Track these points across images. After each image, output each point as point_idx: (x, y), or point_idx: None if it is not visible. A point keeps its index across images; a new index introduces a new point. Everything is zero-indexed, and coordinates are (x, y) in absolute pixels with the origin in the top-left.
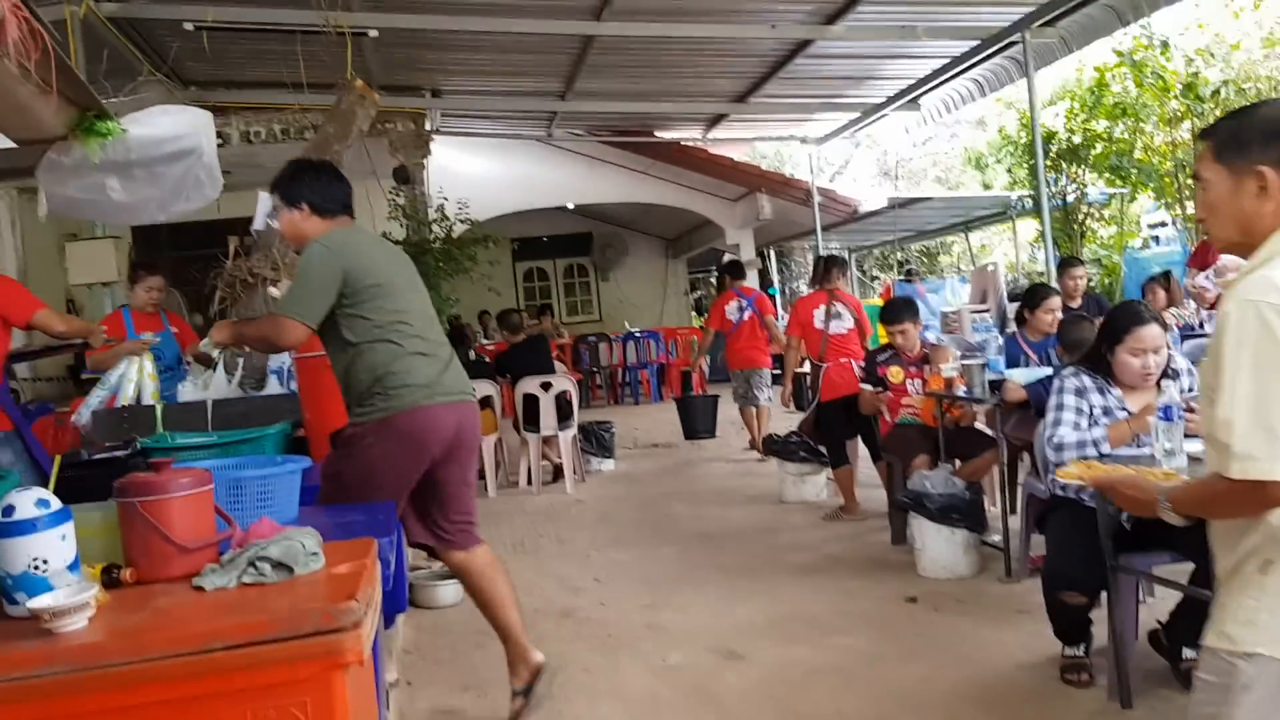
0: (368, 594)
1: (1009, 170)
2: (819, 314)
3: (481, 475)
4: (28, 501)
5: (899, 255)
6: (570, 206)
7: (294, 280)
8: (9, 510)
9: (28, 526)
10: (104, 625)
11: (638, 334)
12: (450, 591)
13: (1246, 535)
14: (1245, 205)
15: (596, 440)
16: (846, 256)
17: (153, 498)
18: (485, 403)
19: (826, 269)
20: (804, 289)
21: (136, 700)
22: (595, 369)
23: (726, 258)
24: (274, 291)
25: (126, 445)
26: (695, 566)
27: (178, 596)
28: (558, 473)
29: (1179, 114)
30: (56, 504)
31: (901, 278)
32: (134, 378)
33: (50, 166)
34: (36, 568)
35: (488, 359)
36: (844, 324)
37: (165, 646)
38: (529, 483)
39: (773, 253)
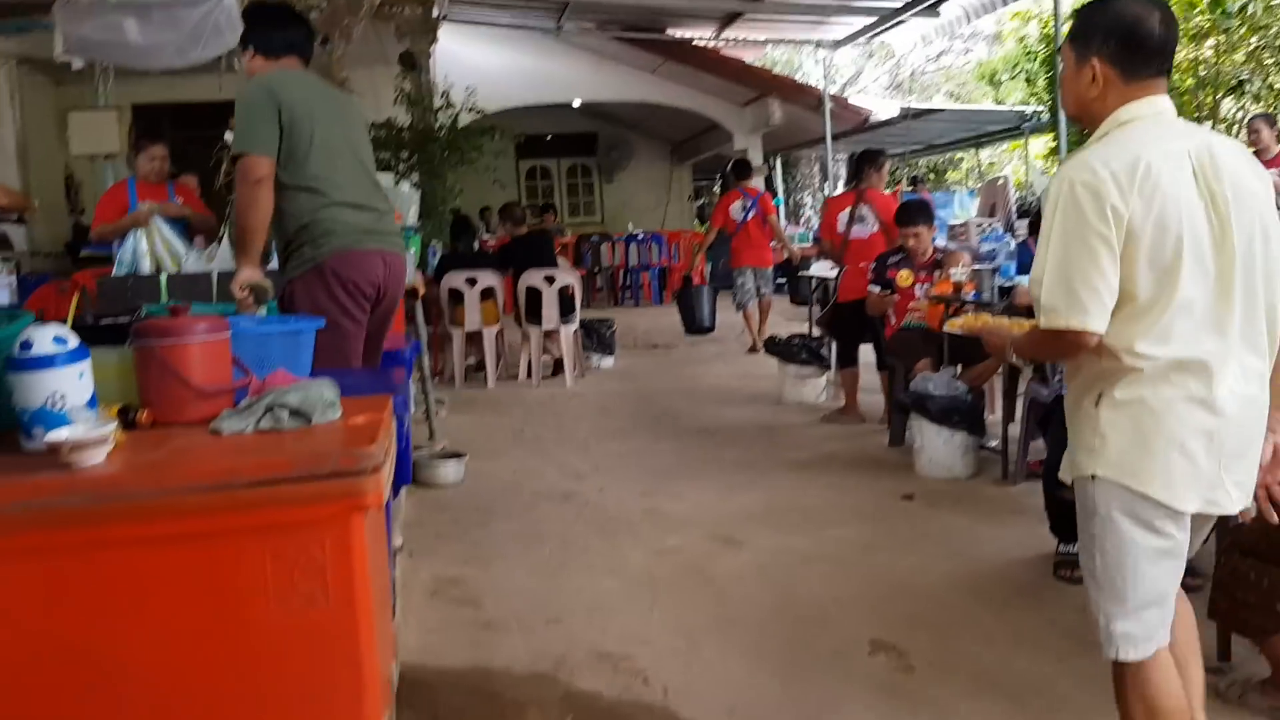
0: (385, 443)
1: (1027, 80)
2: (843, 216)
3: (481, 366)
4: (45, 337)
5: (905, 171)
6: (576, 104)
7: (236, 123)
8: (26, 345)
9: (45, 361)
10: (122, 460)
11: (640, 236)
12: (452, 470)
13: (1082, 372)
14: (1081, 89)
15: (597, 337)
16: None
17: (171, 341)
18: (488, 294)
19: (858, 166)
20: (809, 199)
21: (156, 532)
22: (596, 269)
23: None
24: (229, 136)
25: (131, 313)
26: (693, 459)
27: (195, 438)
28: (557, 366)
29: (1204, 29)
30: (74, 341)
31: (909, 188)
32: (146, 251)
33: (67, 4)
34: (54, 404)
35: (491, 252)
36: (866, 228)
37: (185, 481)
38: (529, 375)
39: (779, 161)
